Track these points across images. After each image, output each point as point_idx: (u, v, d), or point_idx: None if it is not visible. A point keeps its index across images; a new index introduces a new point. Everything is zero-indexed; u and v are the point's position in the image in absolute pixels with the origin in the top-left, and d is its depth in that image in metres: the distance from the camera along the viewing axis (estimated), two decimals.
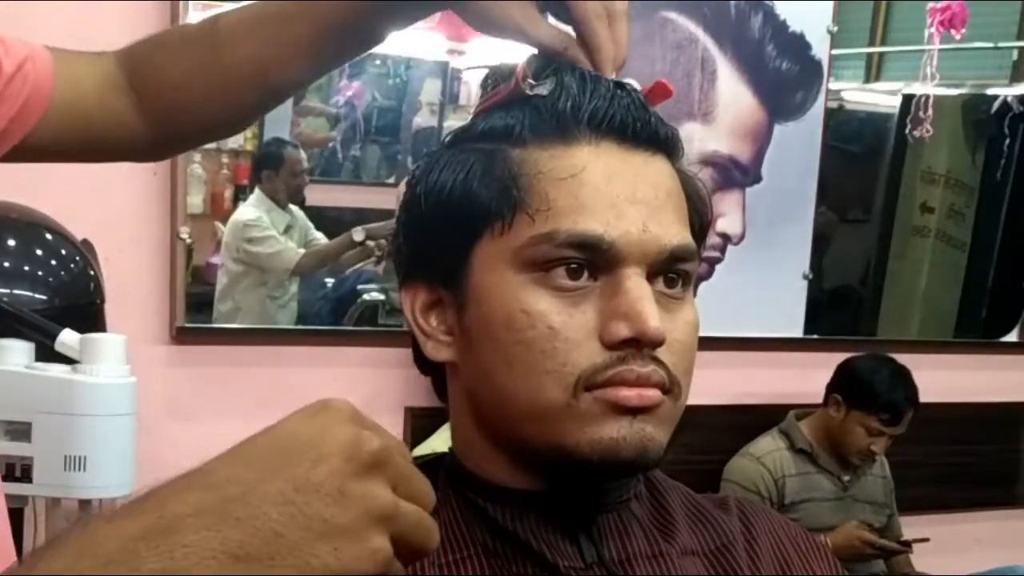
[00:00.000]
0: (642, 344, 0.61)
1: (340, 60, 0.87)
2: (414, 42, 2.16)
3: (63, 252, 1.65)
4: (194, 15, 1.97)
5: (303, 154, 2.21)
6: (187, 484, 0.45)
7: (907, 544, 2.46)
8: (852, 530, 2.36)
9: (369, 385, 2.22)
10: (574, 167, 0.63)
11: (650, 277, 0.63)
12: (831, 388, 2.46)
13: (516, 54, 0.70)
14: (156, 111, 0.86)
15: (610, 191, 0.63)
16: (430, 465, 0.73)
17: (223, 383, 2.16)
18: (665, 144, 0.67)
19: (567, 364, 0.61)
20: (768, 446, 2.46)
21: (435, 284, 0.68)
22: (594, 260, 0.62)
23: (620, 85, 0.66)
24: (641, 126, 0.65)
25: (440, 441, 2.10)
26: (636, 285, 0.62)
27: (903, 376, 2.39)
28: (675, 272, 0.65)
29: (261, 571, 0.42)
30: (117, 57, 0.87)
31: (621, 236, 0.62)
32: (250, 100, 0.86)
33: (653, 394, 0.62)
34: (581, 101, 0.65)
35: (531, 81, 0.66)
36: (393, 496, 0.46)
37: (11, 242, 1.63)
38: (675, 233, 0.64)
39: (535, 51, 0.69)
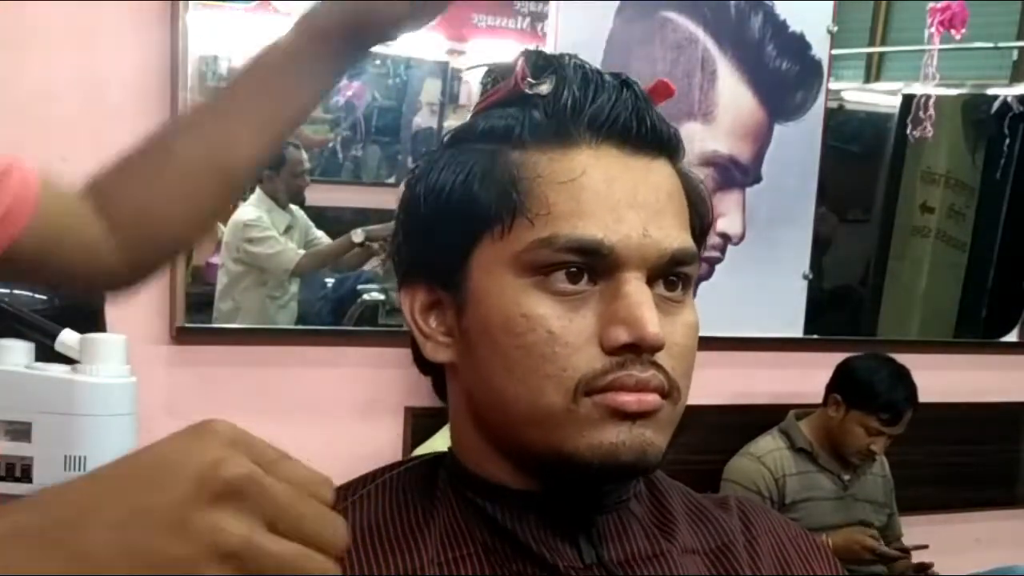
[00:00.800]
0: (641, 349, 0.61)
1: (290, 130, 0.90)
2: (414, 42, 2.16)
3: None
4: (194, 15, 1.97)
5: (304, 154, 2.21)
6: (26, 503, 0.42)
7: (906, 551, 2.45)
8: (854, 535, 2.36)
9: (369, 385, 2.22)
10: (574, 171, 0.63)
11: (650, 280, 0.63)
12: (830, 388, 2.46)
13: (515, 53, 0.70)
14: (126, 232, 0.86)
15: (610, 195, 0.63)
16: (430, 464, 0.73)
17: (223, 383, 2.16)
18: (667, 146, 0.67)
19: (567, 369, 0.61)
20: (768, 445, 2.46)
21: (434, 285, 0.67)
22: (594, 264, 0.62)
23: (625, 83, 0.66)
24: (643, 129, 0.65)
25: (441, 440, 2.09)
26: (636, 290, 0.62)
27: (902, 376, 2.39)
28: (675, 275, 0.65)
29: None
30: (85, 187, 0.88)
31: (621, 241, 0.62)
32: (210, 194, 0.87)
33: (652, 399, 0.62)
34: (582, 103, 0.64)
35: (531, 80, 0.66)
36: (247, 532, 0.40)
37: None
38: (675, 237, 0.64)
39: (533, 48, 0.69)
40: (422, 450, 2.07)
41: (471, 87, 2.26)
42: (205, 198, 0.86)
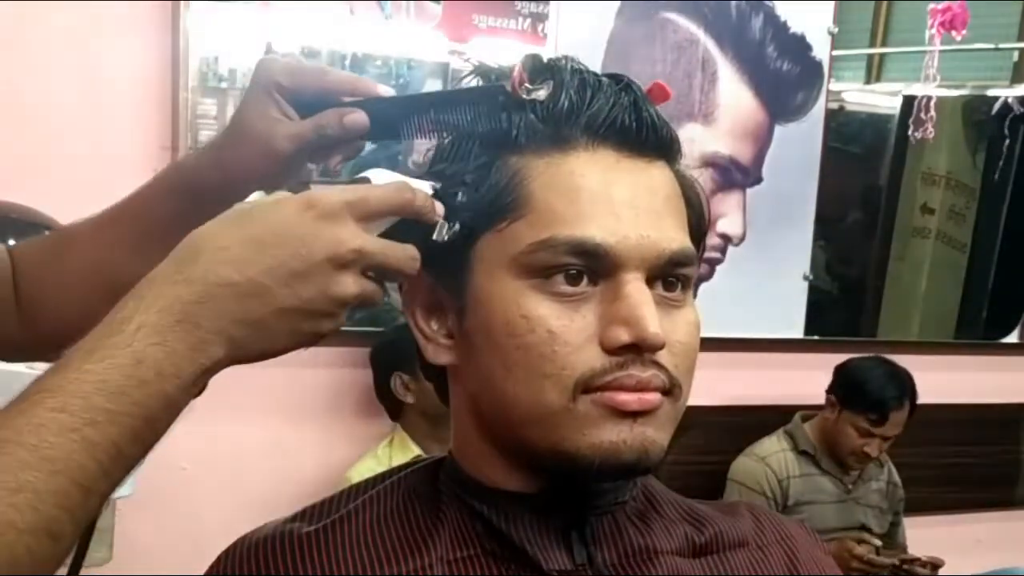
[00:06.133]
0: (642, 349, 0.61)
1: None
2: (415, 42, 2.16)
3: None
4: (194, 15, 1.97)
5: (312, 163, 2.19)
6: (185, 272, 0.57)
7: (919, 561, 2.41)
8: (845, 543, 2.33)
9: (369, 385, 2.22)
10: (571, 174, 0.63)
11: (649, 281, 0.63)
12: (829, 389, 2.46)
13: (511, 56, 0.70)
14: (26, 311, 0.87)
15: (608, 197, 0.63)
16: (431, 468, 0.73)
17: (223, 383, 2.14)
18: (665, 149, 0.67)
19: (566, 368, 0.61)
20: (772, 447, 2.46)
21: (435, 288, 0.68)
22: (593, 266, 0.62)
23: (624, 87, 0.66)
24: (642, 132, 0.65)
25: (373, 462, 2.08)
26: (636, 290, 0.62)
27: (896, 377, 2.38)
28: (674, 276, 0.65)
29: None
30: (9, 252, 0.89)
31: (619, 242, 0.62)
32: (99, 300, 0.87)
33: (653, 397, 0.62)
34: (579, 107, 0.64)
35: (528, 85, 0.66)
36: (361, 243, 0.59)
37: (11, 242, 1.63)
38: (673, 238, 0.64)
39: (531, 53, 0.69)
40: (352, 471, 2.07)
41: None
42: (95, 304, 0.87)
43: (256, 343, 0.60)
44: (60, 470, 0.51)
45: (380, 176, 0.65)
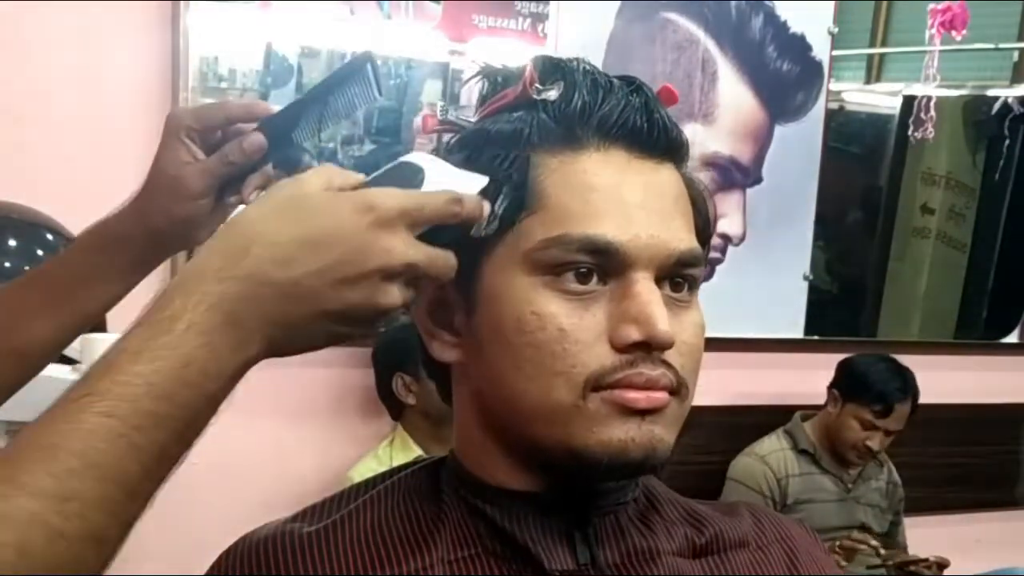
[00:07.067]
0: (652, 347, 0.62)
1: (82, 317, 0.90)
2: (415, 42, 2.16)
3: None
4: (194, 15, 1.97)
5: (316, 164, 2.19)
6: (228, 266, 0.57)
7: (925, 562, 2.41)
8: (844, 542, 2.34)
9: (369, 385, 2.22)
10: (584, 173, 0.64)
11: (657, 281, 0.64)
12: (831, 385, 2.46)
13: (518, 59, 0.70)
14: None
15: (619, 196, 0.63)
16: (432, 467, 0.73)
17: None
18: (674, 150, 0.68)
19: (576, 365, 0.62)
20: (772, 446, 2.46)
21: (444, 285, 0.68)
22: (603, 264, 0.63)
23: (636, 88, 0.66)
24: (654, 133, 0.66)
25: (375, 462, 2.08)
26: (646, 289, 0.62)
27: (899, 371, 2.39)
28: (681, 276, 0.65)
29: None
30: None
31: (630, 241, 0.62)
32: (5, 369, 0.88)
33: (661, 396, 0.62)
34: (591, 107, 0.65)
35: (539, 86, 0.66)
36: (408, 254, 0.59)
37: (11, 242, 1.63)
38: (682, 239, 0.65)
39: (542, 54, 0.69)
40: (353, 471, 2.07)
41: (471, 88, 2.25)
42: (4, 371, 0.87)
43: (293, 342, 0.60)
44: (108, 477, 0.51)
45: (422, 160, 0.65)
